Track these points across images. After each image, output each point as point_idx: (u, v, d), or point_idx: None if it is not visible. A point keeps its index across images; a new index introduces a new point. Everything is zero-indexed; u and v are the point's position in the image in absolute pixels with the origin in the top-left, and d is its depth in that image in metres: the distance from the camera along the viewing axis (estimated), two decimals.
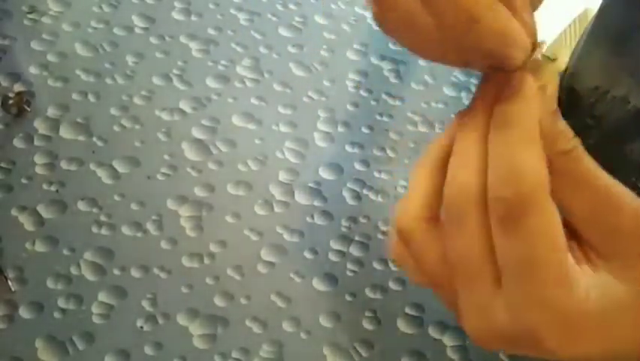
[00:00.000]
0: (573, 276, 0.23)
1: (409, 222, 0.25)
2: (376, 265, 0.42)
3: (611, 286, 0.24)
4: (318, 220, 0.43)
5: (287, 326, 0.39)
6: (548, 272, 0.23)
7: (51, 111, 0.45)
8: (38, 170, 0.43)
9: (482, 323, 0.24)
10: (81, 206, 0.42)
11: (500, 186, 0.22)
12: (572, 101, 0.56)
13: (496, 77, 0.24)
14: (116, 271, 0.40)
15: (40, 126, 0.45)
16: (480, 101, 0.25)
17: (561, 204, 0.23)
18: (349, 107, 0.49)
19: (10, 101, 0.44)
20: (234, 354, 0.38)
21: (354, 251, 0.42)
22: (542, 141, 0.24)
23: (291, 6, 0.55)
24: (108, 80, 0.48)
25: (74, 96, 0.46)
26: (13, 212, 0.41)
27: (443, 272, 0.24)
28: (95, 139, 0.45)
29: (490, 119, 0.24)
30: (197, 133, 0.46)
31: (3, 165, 0.43)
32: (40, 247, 0.40)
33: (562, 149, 0.24)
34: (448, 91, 0.51)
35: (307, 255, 0.42)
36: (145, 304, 0.39)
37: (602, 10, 0.59)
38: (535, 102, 0.24)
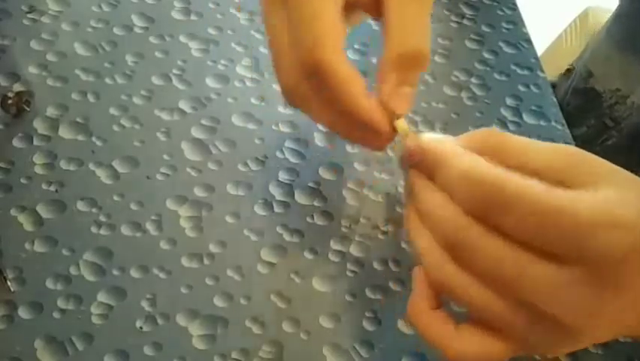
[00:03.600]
0: None
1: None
2: (376, 266, 0.42)
3: None
4: (318, 220, 0.43)
5: (287, 327, 0.39)
6: None
7: (50, 111, 0.45)
8: (37, 170, 0.43)
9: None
10: (80, 206, 0.42)
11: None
12: (590, 101, 0.56)
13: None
14: (116, 272, 0.40)
15: (39, 126, 0.45)
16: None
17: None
18: None
19: (10, 101, 0.44)
20: (234, 355, 0.38)
21: (354, 251, 0.42)
22: None
23: None
24: (107, 80, 0.48)
25: (74, 96, 0.46)
26: (13, 212, 0.41)
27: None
28: (94, 139, 0.45)
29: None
30: (196, 133, 0.46)
31: (2, 165, 0.43)
32: (39, 247, 0.40)
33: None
34: (448, 91, 0.51)
35: (307, 255, 0.42)
36: (144, 304, 0.39)
37: (620, 15, 0.59)
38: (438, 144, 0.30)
